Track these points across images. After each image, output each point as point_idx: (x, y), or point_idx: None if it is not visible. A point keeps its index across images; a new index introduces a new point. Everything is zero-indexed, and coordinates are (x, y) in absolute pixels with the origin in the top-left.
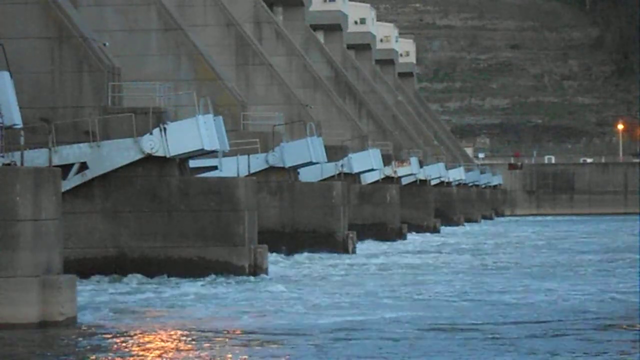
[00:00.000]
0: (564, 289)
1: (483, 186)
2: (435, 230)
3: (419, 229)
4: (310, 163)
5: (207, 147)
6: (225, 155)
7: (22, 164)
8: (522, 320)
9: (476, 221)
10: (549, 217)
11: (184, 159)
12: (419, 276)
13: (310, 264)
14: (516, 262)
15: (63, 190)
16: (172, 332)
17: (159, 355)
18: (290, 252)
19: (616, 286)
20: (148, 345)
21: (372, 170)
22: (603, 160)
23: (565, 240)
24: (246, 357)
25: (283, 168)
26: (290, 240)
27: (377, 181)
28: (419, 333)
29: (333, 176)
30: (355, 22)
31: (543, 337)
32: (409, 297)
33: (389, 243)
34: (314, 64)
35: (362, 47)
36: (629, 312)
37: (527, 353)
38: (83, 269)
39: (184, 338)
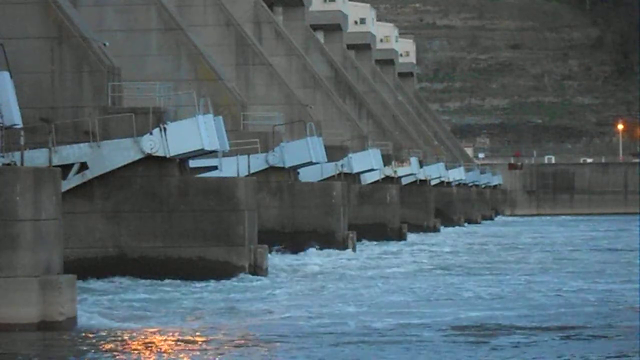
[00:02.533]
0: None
1: (483, 186)
2: (435, 230)
3: (419, 229)
4: (310, 163)
5: (207, 147)
6: (225, 155)
7: (22, 164)
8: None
9: (476, 221)
10: (549, 217)
11: (184, 159)
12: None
13: (313, 263)
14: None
15: (63, 190)
16: (174, 333)
17: (159, 356)
18: (290, 252)
19: None
20: (148, 346)
21: (372, 170)
22: (603, 160)
23: None
24: (242, 356)
25: (283, 168)
26: (290, 240)
27: (377, 181)
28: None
29: (333, 176)
30: (355, 22)
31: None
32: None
33: (392, 243)
34: (314, 64)
35: (362, 47)
36: None
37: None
38: (83, 269)
39: (186, 339)
